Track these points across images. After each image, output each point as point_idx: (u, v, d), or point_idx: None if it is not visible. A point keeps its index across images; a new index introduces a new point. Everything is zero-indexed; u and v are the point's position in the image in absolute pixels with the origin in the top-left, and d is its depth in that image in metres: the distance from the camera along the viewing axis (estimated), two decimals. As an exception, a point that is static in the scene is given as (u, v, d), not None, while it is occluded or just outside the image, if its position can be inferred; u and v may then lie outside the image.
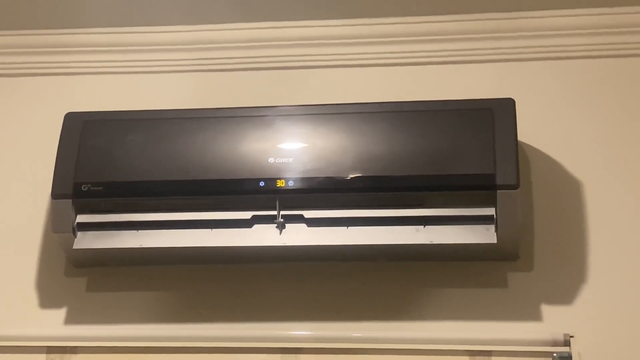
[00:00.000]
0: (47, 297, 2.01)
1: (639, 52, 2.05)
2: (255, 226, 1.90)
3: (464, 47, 2.11)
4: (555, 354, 1.80)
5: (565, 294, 1.90)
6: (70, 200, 1.92)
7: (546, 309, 1.89)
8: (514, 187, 1.83)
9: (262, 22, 2.14)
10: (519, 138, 1.99)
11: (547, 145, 2.02)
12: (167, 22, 2.16)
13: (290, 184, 1.88)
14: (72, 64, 2.19)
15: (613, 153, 2.00)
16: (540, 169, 2.01)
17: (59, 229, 1.92)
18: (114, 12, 2.15)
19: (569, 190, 1.98)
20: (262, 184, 1.89)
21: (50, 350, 1.93)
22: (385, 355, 1.86)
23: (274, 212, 1.89)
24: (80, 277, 2.02)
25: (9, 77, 2.21)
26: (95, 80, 2.19)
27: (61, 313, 1.99)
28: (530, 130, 2.02)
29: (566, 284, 1.90)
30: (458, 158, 1.88)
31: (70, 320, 1.99)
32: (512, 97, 1.92)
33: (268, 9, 2.11)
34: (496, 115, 1.89)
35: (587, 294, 1.89)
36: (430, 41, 2.11)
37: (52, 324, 1.98)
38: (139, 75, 2.18)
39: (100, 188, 1.92)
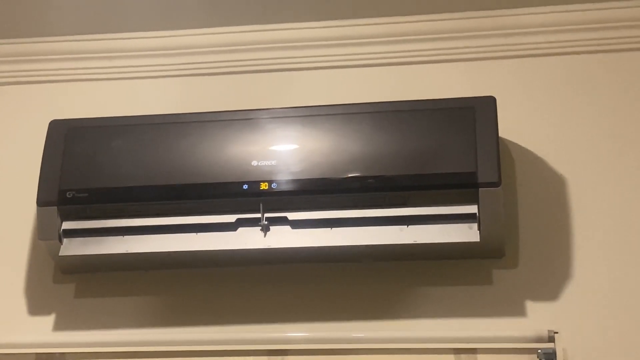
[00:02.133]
0: (36, 304, 2.02)
1: (620, 47, 2.05)
2: (240, 229, 1.90)
3: (445, 46, 2.11)
4: (539, 351, 1.80)
5: (551, 290, 1.90)
6: (56, 207, 1.93)
7: (531, 306, 1.89)
8: (496, 184, 1.84)
9: (243, 25, 2.15)
10: (503, 135, 2.01)
11: (531, 142, 2.03)
12: (149, 28, 2.17)
13: (274, 186, 1.89)
14: (56, 71, 2.20)
15: (597, 149, 2.00)
16: (524, 166, 2.01)
17: (44, 236, 1.94)
18: (95, 19, 2.16)
19: (553, 187, 1.99)
20: (245, 186, 1.90)
21: (38, 357, 1.94)
22: (371, 356, 1.86)
23: (258, 215, 1.90)
24: (69, 284, 2.03)
25: (-6, 86, 2.24)
26: (79, 88, 2.20)
27: (50, 320, 2.00)
28: (514, 127, 2.02)
29: (551, 280, 1.91)
30: (440, 157, 1.88)
31: (58, 326, 2.00)
32: (495, 95, 1.92)
33: (250, 12, 2.12)
34: (477, 114, 1.90)
35: (572, 290, 1.89)
36: (412, 41, 2.12)
37: (41, 331, 1.99)
38: (123, 82, 2.19)
39: (85, 195, 1.93)
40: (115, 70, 2.19)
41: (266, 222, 1.89)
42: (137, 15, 2.15)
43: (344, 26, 2.13)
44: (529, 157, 2.02)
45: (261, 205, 1.89)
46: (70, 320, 2.00)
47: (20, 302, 2.03)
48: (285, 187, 1.89)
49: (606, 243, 1.92)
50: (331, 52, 2.13)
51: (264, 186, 1.89)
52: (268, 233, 1.90)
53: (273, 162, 1.90)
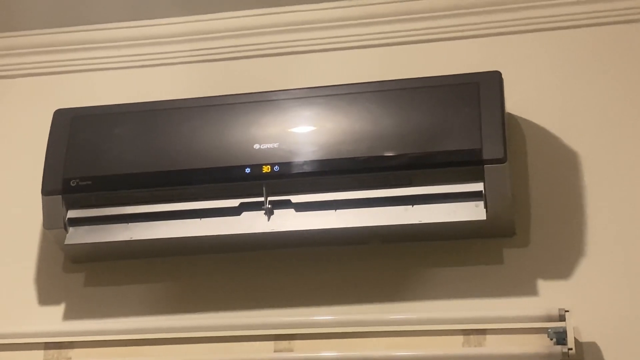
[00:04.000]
0: (46, 294, 2.03)
1: (630, 18, 2.00)
2: (244, 213, 1.89)
3: (453, 23, 2.07)
4: (550, 329, 1.75)
5: (563, 269, 1.85)
6: (60, 196, 1.93)
7: (543, 285, 1.84)
8: (502, 161, 1.79)
9: (245, 10, 2.14)
10: (514, 112, 1.97)
11: (542, 118, 1.98)
12: (153, 16, 2.17)
13: (276, 169, 1.86)
14: (60, 62, 2.21)
15: (609, 123, 1.95)
16: (535, 142, 1.96)
17: (50, 225, 1.94)
18: (99, 9, 2.16)
19: (565, 163, 1.94)
20: (248, 170, 1.87)
21: (47, 346, 1.94)
22: (379, 339, 1.83)
23: (262, 199, 1.87)
24: (79, 273, 2.03)
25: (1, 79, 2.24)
26: (84, 78, 2.20)
27: (60, 309, 2.01)
28: (524, 103, 1.98)
29: (564, 258, 1.86)
30: (445, 134, 1.84)
31: (68, 315, 2.00)
32: (505, 71, 1.88)
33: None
34: (482, 89, 1.86)
35: (585, 269, 1.84)
36: (418, 19, 2.08)
37: (51, 320, 1.99)
38: (127, 70, 2.19)
39: (89, 182, 1.93)
40: (121, 59, 2.19)
41: (270, 206, 1.87)
42: (140, 3, 2.15)
43: (346, 7, 2.11)
44: (540, 133, 1.97)
45: (264, 188, 1.87)
46: (80, 309, 2.00)
47: (30, 291, 2.03)
48: (287, 170, 1.86)
49: (619, 220, 1.86)
50: (334, 33, 2.11)
51: (266, 169, 1.87)
52: (272, 217, 1.87)
53: (275, 145, 1.88)
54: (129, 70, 2.18)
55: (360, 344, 1.84)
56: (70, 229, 1.93)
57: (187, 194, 1.91)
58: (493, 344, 1.78)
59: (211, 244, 1.94)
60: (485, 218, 1.79)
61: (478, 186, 1.80)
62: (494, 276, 1.87)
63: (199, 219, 1.90)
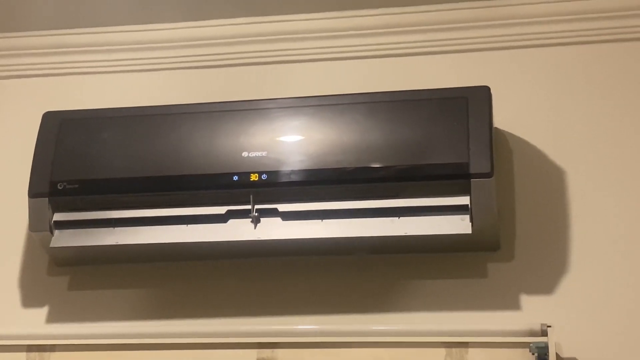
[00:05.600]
0: (30, 297, 2.03)
1: (617, 37, 2.01)
2: (230, 221, 1.89)
3: (442, 37, 2.09)
4: (532, 344, 1.76)
5: (547, 284, 1.86)
6: (47, 198, 1.92)
7: (526, 299, 1.86)
8: (488, 175, 1.80)
9: (236, 18, 2.14)
10: (501, 127, 1.98)
11: (529, 133, 1.99)
12: (143, 21, 2.17)
13: (264, 177, 1.87)
14: (53, 64, 2.20)
15: (595, 141, 1.96)
16: (522, 157, 1.98)
17: (36, 227, 1.93)
18: (91, 12, 2.16)
19: (551, 179, 1.95)
20: (235, 178, 1.88)
21: (29, 348, 1.94)
22: (361, 349, 1.83)
23: (249, 207, 1.88)
24: (63, 276, 2.03)
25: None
26: (74, 81, 2.20)
27: (43, 312, 2.01)
28: (512, 119, 1.99)
29: (547, 274, 1.87)
30: (433, 148, 1.85)
31: (51, 319, 2.00)
32: (494, 87, 1.89)
33: (242, 4, 2.11)
34: (471, 104, 1.87)
35: (568, 284, 1.86)
36: (407, 32, 2.09)
37: (34, 323, 1.99)
38: (118, 75, 2.19)
39: (76, 186, 1.93)
40: (111, 63, 2.19)
41: (256, 214, 1.88)
42: (132, 8, 2.15)
43: (337, 18, 2.11)
44: (527, 148, 1.98)
45: (251, 196, 1.87)
46: (63, 313, 2.00)
47: (14, 294, 2.03)
48: (275, 178, 1.86)
49: (603, 237, 1.88)
50: (324, 44, 2.11)
51: (254, 177, 1.87)
52: (258, 225, 1.88)
53: (263, 153, 1.88)
54: (120, 75, 2.19)
55: (343, 354, 1.84)
56: (56, 232, 1.93)
57: (174, 200, 1.91)
58: (475, 358, 1.79)
59: (197, 251, 1.94)
60: (470, 232, 1.81)
61: (464, 200, 1.81)
62: (478, 290, 1.88)
63: (185, 226, 1.90)
